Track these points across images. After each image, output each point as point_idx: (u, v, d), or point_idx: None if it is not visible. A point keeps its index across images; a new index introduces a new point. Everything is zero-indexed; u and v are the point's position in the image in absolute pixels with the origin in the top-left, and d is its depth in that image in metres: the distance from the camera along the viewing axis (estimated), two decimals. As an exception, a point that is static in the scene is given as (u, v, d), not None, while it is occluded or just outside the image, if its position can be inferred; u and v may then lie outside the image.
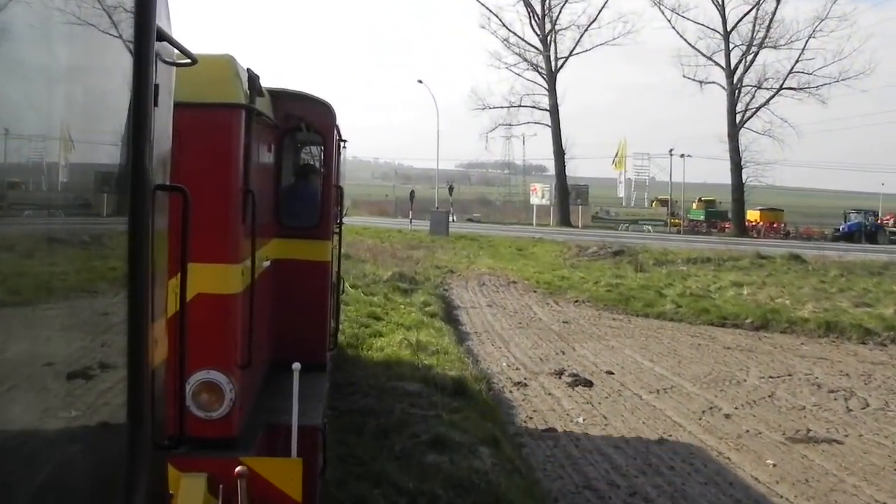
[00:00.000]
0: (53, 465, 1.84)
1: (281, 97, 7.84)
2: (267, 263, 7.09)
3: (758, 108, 60.27)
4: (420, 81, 62.79)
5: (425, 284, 23.31)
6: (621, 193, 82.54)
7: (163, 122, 2.56)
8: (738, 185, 61.09)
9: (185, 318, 2.98)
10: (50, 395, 1.86)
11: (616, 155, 77.35)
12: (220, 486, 5.12)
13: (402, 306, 19.04)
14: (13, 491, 1.62)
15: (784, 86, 59.46)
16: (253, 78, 5.98)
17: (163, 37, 2.38)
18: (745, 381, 14.48)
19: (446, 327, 17.36)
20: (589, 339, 18.12)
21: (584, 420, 11.63)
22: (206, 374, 5.50)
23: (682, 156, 67.39)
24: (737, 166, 60.75)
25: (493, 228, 55.72)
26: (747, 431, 11.32)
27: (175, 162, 2.93)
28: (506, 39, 66.39)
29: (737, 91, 60.63)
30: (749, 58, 60.69)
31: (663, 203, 79.76)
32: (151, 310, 2.32)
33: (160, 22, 2.29)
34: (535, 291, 24.76)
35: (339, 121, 8.80)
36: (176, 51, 2.79)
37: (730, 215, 73.24)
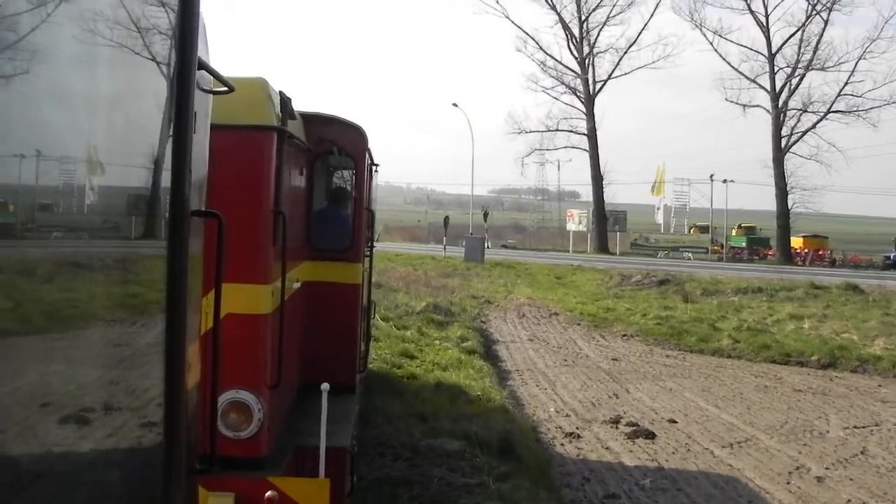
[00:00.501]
0: (90, 488, 1.87)
1: (313, 120, 7.86)
2: (297, 285, 7.10)
3: (804, 132, 58.20)
4: (455, 105, 61.57)
5: (461, 316, 21.75)
6: (659, 220, 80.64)
7: (200, 148, 2.57)
8: (783, 212, 58.89)
9: (219, 341, 2.96)
10: (87, 418, 1.86)
11: (655, 180, 75.50)
12: None
13: (438, 341, 17.51)
14: None
15: (832, 109, 57.33)
16: (285, 101, 6.02)
17: (202, 66, 2.41)
18: (827, 432, 12.72)
19: (486, 366, 15.78)
20: (643, 379, 16.43)
21: (650, 484, 9.97)
22: (236, 394, 5.54)
23: (725, 181, 65.28)
24: (782, 192, 58.59)
25: (529, 255, 54.13)
26: (849, 502, 9.58)
27: (208, 183, 2.92)
28: (543, 63, 65.19)
29: (782, 115, 58.53)
30: (794, 80, 58.73)
31: (702, 230, 77.85)
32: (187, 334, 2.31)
33: (199, 51, 2.31)
34: (578, 324, 23.09)
35: (371, 145, 8.78)
36: (213, 78, 2.79)
37: (773, 242, 71.27)
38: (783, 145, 58.82)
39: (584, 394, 14.90)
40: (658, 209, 79.90)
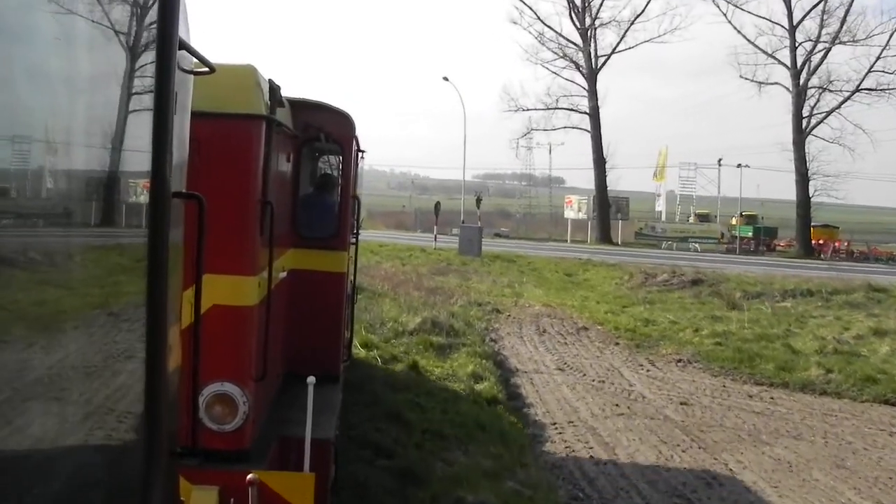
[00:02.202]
0: (70, 471, 1.86)
1: (300, 107, 7.76)
2: (283, 274, 6.99)
3: (829, 112, 52.83)
4: (446, 79, 56.15)
5: (467, 335, 16.59)
6: (660, 207, 75.76)
7: (179, 130, 2.46)
8: (803, 200, 53.86)
9: (200, 330, 2.93)
10: (66, 401, 1.86)
11: (657, 165, 70.50)
12: (232, 499, 5.11)
13: (439, 380, 12.41)
14: (30, 499, 1.65)
15: (860, 87, 52.03)
16: (274, 89, 5.99)
17: (182, 45, 2.32)
18: None
19: (516, 425, 10.70)
20: (738, 441, 11.39)
21: None
22: (220, 387, 5.46)
23: (739, 166, 60.26)
24: (803, 178, 53.48)
25: (526, 246, 48.96)
26: None
27: (195, 171, 2.90)
28: (541, 34, 59.62)
29: (803, 93, 53.32)
30: (818, 55, 53.34)
31: (703, 218, 72.92)
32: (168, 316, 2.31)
33: (179, 30, 2.27)
34: (616, 343, 17.94)
35: (358, 131, 8.56)
36: (194, 59, 2.72)
37: (781, 233, 66.56)
38: (804, 127, 53.61)
39: (666, 473, 9.86)
40: (658, 196, 75.01)
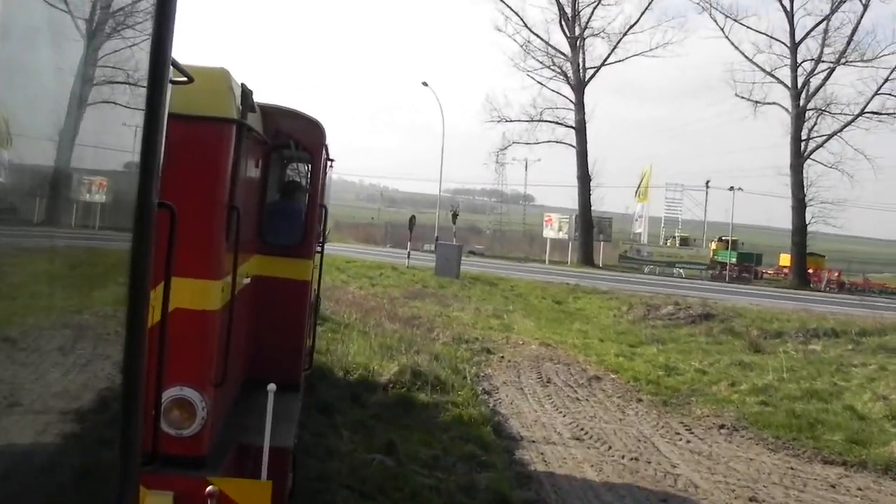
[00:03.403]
0: (42, 481, 1.82)
1: (271, 113, 7.68)
2: (247, 280, 6.95)
3: (831, 135, 49.61)
4: (425, 84, 52.69)
5: (456, 387, 12.98)
6: (639, 229, 72.76)
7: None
8: (799, 227, 50.73)
9: (166, 335, 2.96)
10: (43, 410, 1.82)
11: (639, 185, 67.44)
12: None
13: (426, 468, 8.85)
14: None
15: (865, 110, 49.05)
16: (246, 93, 5.95)
17: None
18: None
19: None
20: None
21: None
22: (179, 391, 5.38)
23: (732, 189, 57.21)
24: (800, 204, 50.29)
25: (505, 266, 45.50)
26: None
27: (162, 173, 2.60)
28: (528, 42, 56.13)
29: (802, 115, 50.24)
30: (821, 75, 50.10)
31: (683, 242, 70.10)
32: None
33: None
34: (639, 400, 14.39)
35: (329, 140, 8.57)
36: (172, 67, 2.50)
37: (769, 259, 63.77)
38: (803, 150, 50.51)
39: None
40: (638, 218, 72.00)
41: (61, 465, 1.92)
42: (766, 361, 18.42)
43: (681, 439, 12.34)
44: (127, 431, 2.11)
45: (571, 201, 58.56)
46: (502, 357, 16.62)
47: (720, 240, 67.01)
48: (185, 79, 2.81)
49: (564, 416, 12.96)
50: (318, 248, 9.14)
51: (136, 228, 2.10)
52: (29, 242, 1.76)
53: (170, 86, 2.52)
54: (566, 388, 14.70)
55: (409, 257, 35.78)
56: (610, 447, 11.52)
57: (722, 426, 13.14)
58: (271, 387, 5.63)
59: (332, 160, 10.15)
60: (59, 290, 1.89)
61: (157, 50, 2.08)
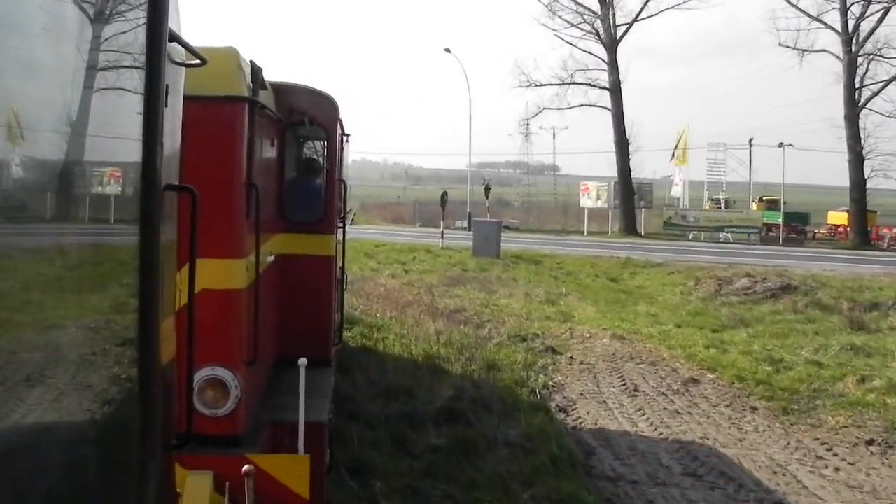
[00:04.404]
0: (65, 465, 1.86)
1: (284, 91, 7.75)
2: (271, 258, 6.99)
3: (889, 81, 45.56)
4: (448, 50, 49.63)
5: (525, 410, 10.11)
6: (677, 194, 69.15)
7: (172, 122, 2.48)
8: (858, 182, 46.93)
9: (194, 317, 2.88)
10: (61, 394, 1.84)
11: (676, 147, 63.78)
12: (227, 483, 5.05)
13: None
14: (24, 491, 1.64)
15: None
16: (256, 71, 5.97)
17: (172, 37, 2.33)
18: None
19: None
20: None
21: None
22: (212, 371, 5.44)
23: (781, 145, 53.46)
24: (857, 157, 46.47)
25: (544, 240, 42.39)
26: None
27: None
28: (554, 0, 52.52)
29: (857, 60, 46.32)
30: (873, 18, 46.07)
31: (718, 204, 66.31)
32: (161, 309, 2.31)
33: (170, 21, 2.26)
34: (752, 408, 11.41)
35: (343, 115, 8.59)
36: (185, 50, 2.68)
37: (816, 218, 60.09)
38: (857, 99, 46.68)
39: None
40: (678, 181, 68.35)
41: (80, 449, 1.92)
42: (884, 343, 15.39)
43: (825, 466, 9.42)
44: (146, 415, 2.12)
45: (598, 169, 55.51)
46: (571, 358, 13.69)
47: (761, 200, 63.44)
48: (198, 61, 2.76)
49: (667, 439, 10.06)
50: (340, 224, 9.09)
51: (143, 212, 2.07)
52: (47, 236, 1.77)
53: (183, 69, 2.72)
54: (659, 397, 11.76)
55: (442, 237, 32.86)
56: (740, 486, 8.64)
57: (870, 441, 10.19)
58: (302, 361, 5.66)
59: (347, 135, 10.04)
60: (72, 284, 1.86)
61: (154, 30, 2.06)
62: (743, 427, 10.63)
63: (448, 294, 19.88)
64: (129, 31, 2.05)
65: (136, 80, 2.08)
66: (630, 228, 51.27)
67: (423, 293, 19.37)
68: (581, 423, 10.49)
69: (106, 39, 1.96)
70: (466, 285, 21.78)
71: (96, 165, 2.09)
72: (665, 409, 11.20)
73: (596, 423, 10.47)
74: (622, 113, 51.84)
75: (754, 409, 11.38)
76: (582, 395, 11.69)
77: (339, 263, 9.33)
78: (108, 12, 1.97)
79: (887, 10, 45.58)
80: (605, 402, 11.42)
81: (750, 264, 28.38)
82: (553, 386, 12.00)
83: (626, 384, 12.25)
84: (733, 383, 12.42)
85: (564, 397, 11.51)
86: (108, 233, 2.21)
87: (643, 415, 10.91)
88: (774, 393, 11.93)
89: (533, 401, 10.78)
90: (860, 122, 46.73)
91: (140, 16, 2.06)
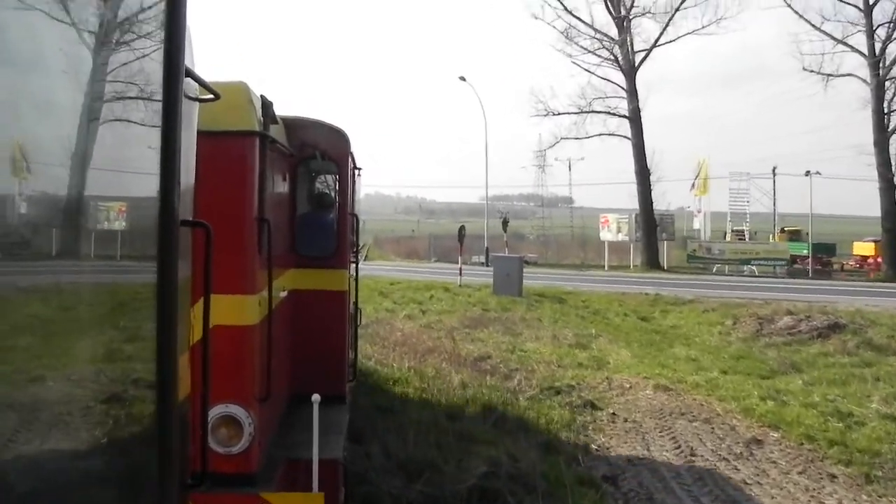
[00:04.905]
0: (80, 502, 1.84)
1: (295, 125, 7.73)
2: (284, 294, 6.91)
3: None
4: (463, 79, 48.40)
5: (570, 486, 8.59)
6: (697, 225, 67.58)
7: (186, 157, 2.39)
8: (891, 210, 45.23)
9: (209, 353, 2.97)
10: (79, 435, 1.84)
11: (696, 177, 62.32)
12: None
13: None
14: None
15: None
16: (267, 105, 5.92)
17: (187, 73, 2.29)
18: None
19: None
20: None
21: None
22: (225, 409, 5.35)
23: (808, 173, 51.85)
24: (888, 184, 44.79)
25: (565, 276, 40.86)
26: None
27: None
28: (569, 28, 51.24)
29: (882, 85, 44.75)
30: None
31: (738, 235, 64.60)
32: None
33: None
34: (831, 476, 9.83)
35: (354, 148, 8.53)
36: (198, 85, 2.69)
37: (842, 249, 58.34)
38: (886, 124, 45.06)
39: None
40: (698, 212, 66.80)
41: (99, 484, 1.92)
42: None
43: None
44: (164, 456, 2.09)
45: (613, 201, 54.00)
46: (614, 414, 12.13)
47: (783, 230, 61.81)
48: (211, 96, 2.76)
49: (740, 519, 8.52)
50: (353, 258, 8.99)
51: (161, 245, 2.08)
52: (61, 274, 1.76)
53: (196, 104, 2.72)
54: (720, 462, 10.19)
55: (460, 274, 31.40)
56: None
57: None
58: (315, 397, 5.65)
59: (359, 168, 9.95)
60: (88, 317, 1.85)
61: (170, 62, 2.06)
62: (824, 500, 9.07)
63: (470, 337, 18.39)
64: (145, 66, 2.04)
65: (151, 114, 2.05)
66: (653, 262, 49.65)
67: (444, 337, 17.87)
68: (633, 498, 8.96)
69: (122, 74, 1.96)
70: (489, 327, 20.29)
71: (109, 201, 2.06)
72: (729, 479, 9.62)
73: (651, 499, 8.94)
74: (643, 142, 50.44)
75: (833, 476, 9.80)
76: (630, 461, 10.14)
77: (353, 298, 9.32)
78: (123, 48, 1.95)
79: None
80: (657, 470, 9.85)
81: (786, 299, 26.85)
82: (597, 450, 10.47)
83: (679, 447, 10.69)
84: (802, 444, 10.85)
85: (611, 464, 9.97)
86: (125, 270, 2.19)
87: (705, 486, 9.35)
88: (852, 456, 10.36)
89: (580, 473, 9.25)
90: (890, 147, 45.13)
91: (156, 49, 2.05)
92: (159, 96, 2.07)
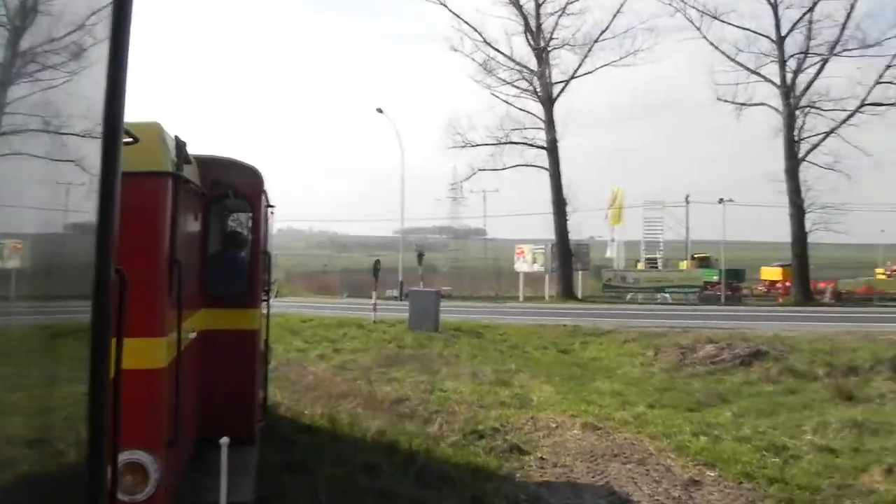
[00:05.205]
0: None
1: (208, 164, 7.60)
2: (193, 335, 6.81)
3: (830, 132, 44.52)
4: (380, 111, 47.68)
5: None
6: (610, 253, 68.20)
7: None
8: (800, 236, 46.20)
9: (120, 401, 2.88)
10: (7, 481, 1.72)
11: (610, 206, 62.91)
12: None
13: None
14: None
15: (866, 101, 44.52)
16: (180, 145, 5.80)
17: None
18: None
19: None
20: None
21: None
22: (131, 455, 5.16)
23: (721, 201, 52.73)
24: (798, 211, 45.61)
25: (479, 309, 40.22)
26: None
27: None
28: (487, 60, 51.15)
29: (793, 114, 45.81)
30: (811, 70, 45.63)
31: (651, 263, 65.37)
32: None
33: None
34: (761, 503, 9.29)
35: (267, 186, 8.49)
36: None
37: (750, 275, 59.53)
38: (796, 152, 45.96)
39: None
40: (612, 241, 67.40)
41: None
42: (886, 416, 13.56)
43: None
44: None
45: (527, 232, 54.07)
46: (542, 459, 11.33)
47: (692, 258, 62.80)
48: (130, 139, 2.71)
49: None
50: (265, 297, 8.89)
51: (96, 297, 2.01)
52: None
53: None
54: (654, 499, 9.52)
55: (374, 310, 30.42)
56: None
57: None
58: (224, 440, 5.56)
59: (272, 206, 9.71)
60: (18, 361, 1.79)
61: (112, 103, 2.02)
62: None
63: (386, 377, 17.44)
64: (50, 97, 1.89)
65: (58, 148, 1.98)
66: (568, 292, 49.55)
67: (359, 378, 16.89)
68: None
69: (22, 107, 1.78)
70: (406, 365, 19.37)
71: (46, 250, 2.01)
72: (670, 526, 8.95)
73: (590, 555, 8.16)
74: (559, 173, 50.46)
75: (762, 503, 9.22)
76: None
77: (264, 336, 9.18)
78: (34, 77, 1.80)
79: (824, 63, 45.48)
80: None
81: (703, 327, 26.73)
82: (527, 501, 9.66)
83: (614, 495, 9.96)
84: (741, 482, 10.25)
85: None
86: (62, 319, 2.09)
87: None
88: (793, 493, 9.80)
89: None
90: (800, 174, 46.15)
91: (68, 82, 1.95)
92: (67, 129, 1.97)
